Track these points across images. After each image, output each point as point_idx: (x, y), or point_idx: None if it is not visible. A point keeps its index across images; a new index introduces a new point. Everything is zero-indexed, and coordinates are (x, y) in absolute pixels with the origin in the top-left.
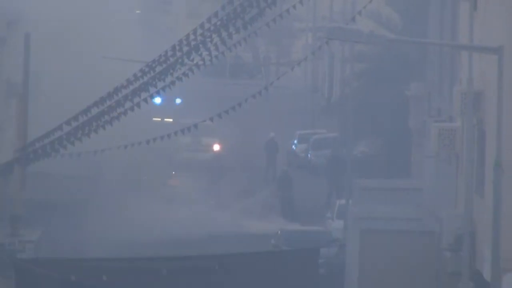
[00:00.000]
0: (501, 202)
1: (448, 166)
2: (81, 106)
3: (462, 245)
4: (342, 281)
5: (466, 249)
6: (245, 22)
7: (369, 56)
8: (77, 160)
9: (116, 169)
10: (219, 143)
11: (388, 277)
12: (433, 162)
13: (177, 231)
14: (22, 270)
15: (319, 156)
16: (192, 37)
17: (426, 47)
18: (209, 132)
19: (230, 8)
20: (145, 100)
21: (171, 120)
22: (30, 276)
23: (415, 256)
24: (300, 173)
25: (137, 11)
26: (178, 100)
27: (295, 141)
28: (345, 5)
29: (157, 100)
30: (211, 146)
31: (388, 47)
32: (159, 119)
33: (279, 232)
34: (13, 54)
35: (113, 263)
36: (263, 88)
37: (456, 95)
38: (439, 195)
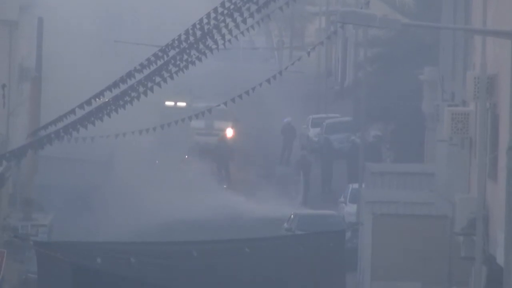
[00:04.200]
0: None
1: (461, 150)
2: (94, 90)
3: (475, 229)
4: (356, 265)
5: (479, 234)
6: (259, 6)
7: (383, 40)
8: (90, 145)
9: (129, 153)
10: (232, 127)
11: (401, 261)
12: (446, 146)
13: (190, 215)
14: (44, 253)
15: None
16: (205, 21)
17: (439, 32)
18: (223, 116)
19: None
20: (159, 84)
21: (184, 104)
22: (53, 260)
23: (428, 240)
24: (313, 157)
25: None
26: None
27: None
28: None
29: None
30: (224, 130)
31: (401, 31)
32: (172, 103)
33: (292, 216)
34: (26, 38)
35: (140, 246)
36: (278, 73)
37: (470, 79)
38: (452, 179)
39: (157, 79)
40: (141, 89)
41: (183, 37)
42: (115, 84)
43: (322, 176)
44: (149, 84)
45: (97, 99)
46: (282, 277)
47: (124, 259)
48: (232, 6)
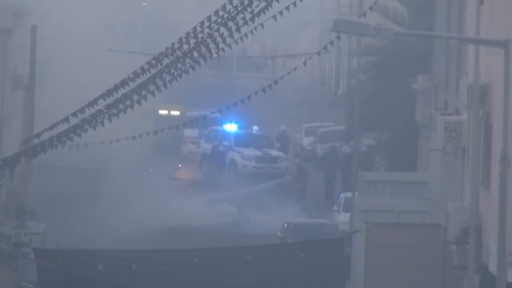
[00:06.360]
0: (507, 195)
1: (455, 159)
2: (88, 99)
3: (468, 238)
4: (348, 274)
5: (472, 242)
6: (253, 15)
7: (376, 49)
8: (83, 153)
9: (122, 162)
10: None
11: (394, 270)
12: (439, 155)
13: (184, 222)
14: (44, 260)
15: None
16: (199, 29)
17: (433, 40)
18: (217, 124)
19: (238, 1)
20: (152, 92)
21: (178, 112)
22: (53, 267)
23: (421, 249)
24: (307, 165)
25: (144, 3)
26: (255, 128)
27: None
28: None
29: (233, 127)
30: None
31: (395, 40)
32: (166, 111)
33: (285, 224)
34: (20, 46)
35: (142, 253)
36: (273, 82)
37: (463, 88)
38: (445, 188)
39: (151, 87)
40: (135, 97)
41: (176, 45)
42: (109, 92)
43: (325, 184)
44: (143, 93)
45: (90, 107)
46: (282, 284)
47: (126, 266)
48: (226, 15)
